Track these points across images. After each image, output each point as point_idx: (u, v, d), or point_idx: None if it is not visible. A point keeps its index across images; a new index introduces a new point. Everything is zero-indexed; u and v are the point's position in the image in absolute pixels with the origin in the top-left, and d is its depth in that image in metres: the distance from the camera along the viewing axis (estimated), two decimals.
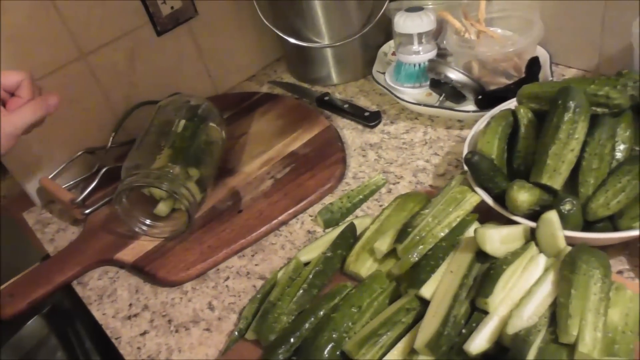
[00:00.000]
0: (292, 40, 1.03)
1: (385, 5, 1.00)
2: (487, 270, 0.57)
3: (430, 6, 0.97)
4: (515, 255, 0.57)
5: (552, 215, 0.58)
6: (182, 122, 0.85)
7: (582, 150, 0.62)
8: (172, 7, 0.99)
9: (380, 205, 0.80)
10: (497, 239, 0.58)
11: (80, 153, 0.96)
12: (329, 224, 0.79)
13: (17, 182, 0.94)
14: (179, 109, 0.89)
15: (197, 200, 0.80)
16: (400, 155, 0.88)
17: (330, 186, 0.84)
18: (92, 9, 0.91)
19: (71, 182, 0.96)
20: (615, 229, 0.61)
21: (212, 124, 0.89)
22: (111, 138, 0.96)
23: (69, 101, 0.92)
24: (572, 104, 0.61)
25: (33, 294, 0.79)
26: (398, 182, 0.83)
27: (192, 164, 0.82)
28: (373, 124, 0.94)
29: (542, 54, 0.90)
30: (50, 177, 0.92)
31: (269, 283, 0.72)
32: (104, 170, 0.92)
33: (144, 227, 0.81)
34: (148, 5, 0.96)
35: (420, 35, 0.93)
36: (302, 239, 0.79)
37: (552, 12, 0.89)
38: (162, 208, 0.84)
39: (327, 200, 0.83)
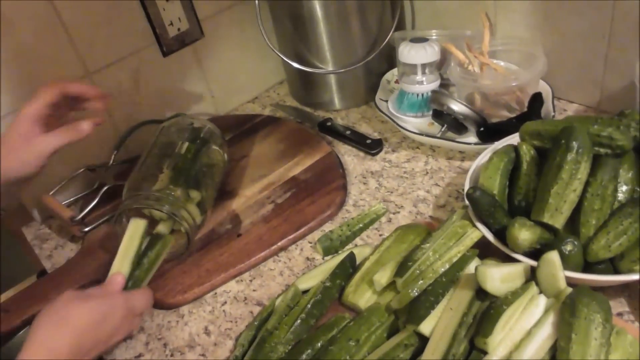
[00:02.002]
0: (296, 65, 1.04)
1: (390, 34, 1.01)
2: (487, 309, 0.57)
3: (435, 37, 0.98)
4: (515, 295, 0.57)
5: (553, 256, 0.58)
6: (185, 144, 0.86)
7: (584, 190, 0.63)
8: (178, 29, 0.99)
9: (380, 235, 0.80)
10: (498, 278, 0.58)
11: (81, 170, 0.96)
12: (328, 251, 0.79)
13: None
14: (182, 131, 0.89)
15: (197, 223, 0.79)
16: (401, 185, 0.88)
17: (331, 213, 0.84)
18: (100, 28, 0.91)
19: (71, 199, 0.96)
20: (616, 271, 0.61)
21: (214, 147, 0.89)
22: (113, 156, 0.96)
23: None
24: (575, 145, 0.62)
25: (29, 311, 0.78)
26: (398, 212, 0.83)
27: (193, 186, 0.82)
28: (375, 151, 0.95)
29: (545, 89, 0.91)
30: (50, 193, 0.92)
31: (266, 310, 0.71)
32: (104, 188, 0.91)
33: None
34: (155, 27, 0.96)
35: (424, 65, 0.94)
36: (300, 266, 0.79)
37: (556, 47, 0.90)
38: (161, 229, 0.83)
39: (327, 227, 0.83)
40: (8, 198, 0.82)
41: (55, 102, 0.76)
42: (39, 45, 0.86)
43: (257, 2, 1.01)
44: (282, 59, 1.05)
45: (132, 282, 0.70)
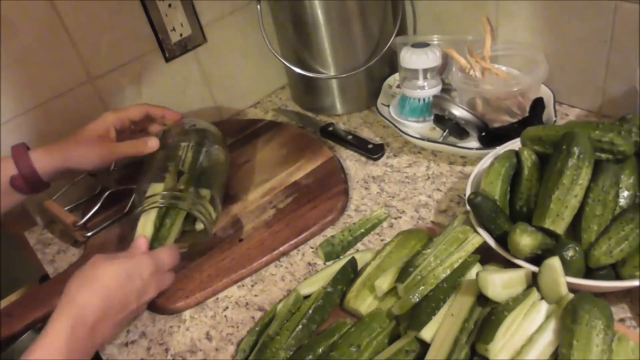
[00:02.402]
0: (298, 70, 1.04)
1: (391, 39, 1.02)
2: (488, 316, 0.57)
3: (436, 42, 0.98)
4: (516, 301, 0.57)
5: (554, 262, 0.58)
6: (189, 144, 0.86)
7: (586, 196, 0.63)
8: (181, 34, 1.00)
9: (382, 240, 0.80)
10: (499, 284, 0.58)
11: (82, 175, 0.96)
12: (329, 256, 0.79)
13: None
14: (184, 133, 0.89)
15: (213, 218, 0.80)
16: (402, 190, 0.88)
17: (332, 218, 0.84)
18: (102, 33, 0.92)
19: (73, 204, 0.96)
20: (618, 276, 0.61)
21: (217, 146, 0.90)
22: (114, 161, 0.96)
23: (74, 123, 0.92)
24: (576, 150, 0.62)
25: (30, 316, 0.78)
26: (400, 217, 0.83)
27: (202, 185, 0.82)
28: (376, 156, 0.95)
29: (546, 93, 0.91)
30: (53, 198, 0.92)
31: (267, 315, 0.71)
32: (107, 193, 0.92)
33: None
34: (158, 32, 0.97)
35: (425, 70, 0.94)
36: (302, 271, 0.79)
37: (557, 52, 0.90)
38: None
39: (329, 232, 0.84)
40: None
41: (138, 120, 0.85)
42: (41, 49, 0.86)
43: (259, 7, 1.02)
44: (284, 64, 1.06)
45: (157, 243, 0.76)
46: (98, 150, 0.80)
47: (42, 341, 0.59)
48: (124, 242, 0.85)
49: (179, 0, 0.97)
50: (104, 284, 0.64)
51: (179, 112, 0.90)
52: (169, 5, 0.96)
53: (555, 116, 0.87)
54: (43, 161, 0.78)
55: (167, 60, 1.00)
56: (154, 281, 0.70)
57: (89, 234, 0.89)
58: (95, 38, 0.91)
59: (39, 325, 0.82)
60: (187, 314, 0.76)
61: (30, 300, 0.81)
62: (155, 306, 0.77)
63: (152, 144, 0.83)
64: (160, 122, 0.89)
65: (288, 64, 1.05)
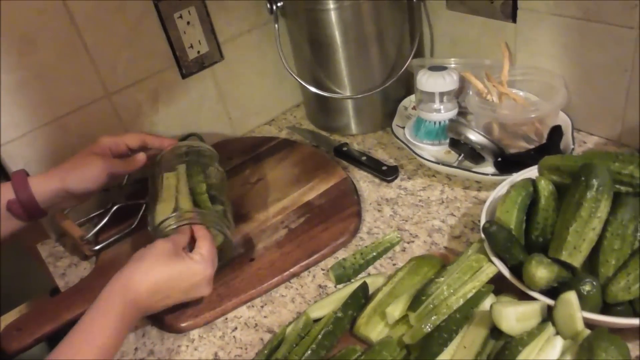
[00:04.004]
0: (313, 90, 1.04)
1: (408, 61, 1.01)
2: (502, 350, 0.56)
3: (453, 65, 0.97)
4: (531, 335, 0.56)
5: (571, 296, 0.57)
6: (190, 164, 0.86)
7: (604, 229, 0.61)
8: (198, 52, 1.00)
9: (394, 264, 0.79)
10: (513, 317, 0.57)
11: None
12: (340, 279, 0.78)
13: None
14: (185, 154, 0.88)
15: (233, 231, 0.80)
16: (416, 213, 0.87)
17: (344, 240, 0.84)
18: (121, 50, 0.92)
19: (84, 218, 0.96)
20: (635, 313, 0.60)
21: (216, 164, 0.89)
22: (126, 176, 0.97)
23: (90, 138, 0.92)
24: (595, 182, 0.61)
25: (40, 330, 0.79)
26: (412, 241, 0.82)
27: (214, 201, 0.82)
28: (390, 178, 0.94)
29: (564, 120, 0.90)
30: (65, 212, 0.93)
31: (276, 338, 0.71)
32: (115, 208, 0.92)
33: None
34: (175, 49, 0.97)
35: (442, 94, 0.93)
36: (312, 293, 0.78)
37: (576, 79, 0.90)
38: None
39: (340, 254, 0.83)
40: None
41: (134, 148, 0.87)
42: (60, 65, 0.87)
43: (276, 26, 1.02)
44: (300, 83, 1.06)
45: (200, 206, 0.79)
46: (94, 166, 0.81)
47: (94, 317, 0.65)
48: None
49: (198, 18, 0.98)
50: (161, 272, 0.70)
51: (174, 140, 0.91)
52: (188, 23, 0.97)
53: (573, 144, 0.86)
54: (41, 186, 0.79)
55: (184, 76, 1.01)
56: (200, 288, 0.74)
57: (96, 247, 0.90)
58: (113, 54, 0.92)
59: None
60: (195, 333, 0.76)
61: (40, 314, 0.81)
62: (164, 324, 0.77)
63: (140, 157, 0.87)
64: (156, 151, 0.90)
65: (304, 83, 1.05)
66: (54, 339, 0.83)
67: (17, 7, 0.81)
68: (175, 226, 0.76)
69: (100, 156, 0.83)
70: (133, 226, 0.92)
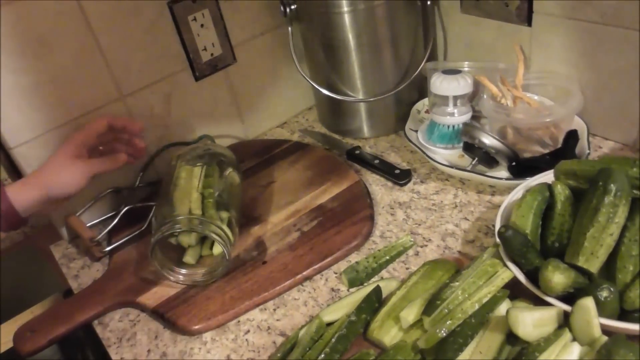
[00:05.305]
0: (326, 93, 1.04)
1: (422, 65, 1.01)
2: (518, 356, 0.55)
3: (467, 69, 0.97)
4: (548, 341, 0.55)
5: (588, 302, 0.56)
6: (205, 168, 0.86)
7: (622, 235, 0.61)
8: (212, 54, 1.01)
9: (407, 268, 0.79)
10: (530, 323, 0.57)
11: (107, 191, 0.96)
12: (353, 283, 0.78)
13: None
14: (200, 157, 0.89)
15: (232, 241, 0.80)
16: (429, 217, 0.87)
17: (357, 244, 0.84)
18: (135, 53, 0.93)
19: (97, 220, 0.96)
20: None
21: (231, 169, 0.90)
22: (139, 177, 0.97)
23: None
24: (613, 187, 0.60)
25: (54, 331, 0.79)
26: (426, 245, 0.82)
27: (222, 208, 0.82)
28: (403, 182, 0.94)
29: (579, 125, 0.89)
30: (77, 214, 0.93)
31: (289, 342, 0.70)
32: (124, 209, 0.92)
33: (180, 276, 0.81)
34: (189, 52, 0.98)
35: (456, 97, 0.93)
36: (325, 297, 0.78)
37: (592, 83, 0.89)
38: (190, 256, 0.84)
39: (353, 258, 0.83)
40: (39, 217, 0.85)
41: (102, 132, 0.86)
42: (75, 68, 0.88)
43: (290, 29, 1.02)
44: (313, 85, 1.06)
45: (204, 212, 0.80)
46: (74, 170, 0.81)
47: None
48: (147, 259, 0.85)
49: (212, 21, 0.98)
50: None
51: (139, 122, 0.90)
52: (202, 26, 0.97)
53: (589, 149, 0.86)
54: (20, 195, 0.78)
55: (197, 79, 1.01)
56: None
57: (105, 249, 0.90)
58: (127, 56, 0.92)
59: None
60: (208, 335, 0.76)
61: (54, 315, 0.81)
62: (177, 327, 0.77)
63: (121, 157, 0.87)
64: (123, 133, 0.90)
65: (317, 86, 1.05)
66: (66, 341, 0.83)
67: (33, 10, 0.81)
68: (174, 231, 0.77)
69: (79, 159, 0.82)
70: (143, 228, 0.92)
